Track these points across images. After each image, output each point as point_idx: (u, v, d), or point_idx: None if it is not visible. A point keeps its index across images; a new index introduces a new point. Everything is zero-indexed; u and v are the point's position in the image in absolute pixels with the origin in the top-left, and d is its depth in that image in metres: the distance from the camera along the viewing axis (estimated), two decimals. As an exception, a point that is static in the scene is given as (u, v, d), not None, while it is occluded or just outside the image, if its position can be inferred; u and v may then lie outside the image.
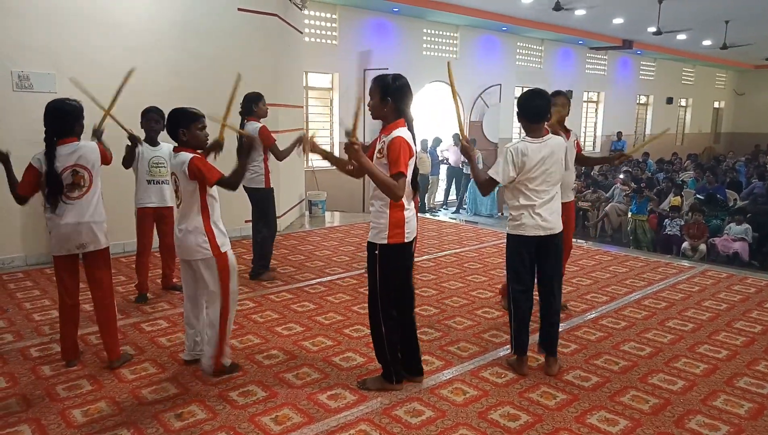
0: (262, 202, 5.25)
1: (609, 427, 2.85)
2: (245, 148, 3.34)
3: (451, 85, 3.44)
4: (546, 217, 3.28)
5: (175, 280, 4.97)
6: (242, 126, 5.12)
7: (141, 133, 4.56)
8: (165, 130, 4.49)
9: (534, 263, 3.39)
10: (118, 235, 5.63)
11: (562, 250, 3.47)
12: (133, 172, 4.60)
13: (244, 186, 5.25)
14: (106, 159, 3.57)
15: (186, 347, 3.56)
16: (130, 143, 4.38)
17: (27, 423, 2.86)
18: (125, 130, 4.25)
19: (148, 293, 4.77)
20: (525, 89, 3.46)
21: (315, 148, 3.26)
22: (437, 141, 12.44)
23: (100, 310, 3.51)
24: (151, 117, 4.56)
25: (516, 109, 3.38)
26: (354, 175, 3.28)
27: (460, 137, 3.42)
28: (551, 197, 3.32)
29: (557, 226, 3.34)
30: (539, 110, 3.29)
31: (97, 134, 3.92)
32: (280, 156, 5.08)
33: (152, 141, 4.61)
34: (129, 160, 4.49)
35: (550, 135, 3.35)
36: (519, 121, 3.38)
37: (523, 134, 3.37)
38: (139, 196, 4.61)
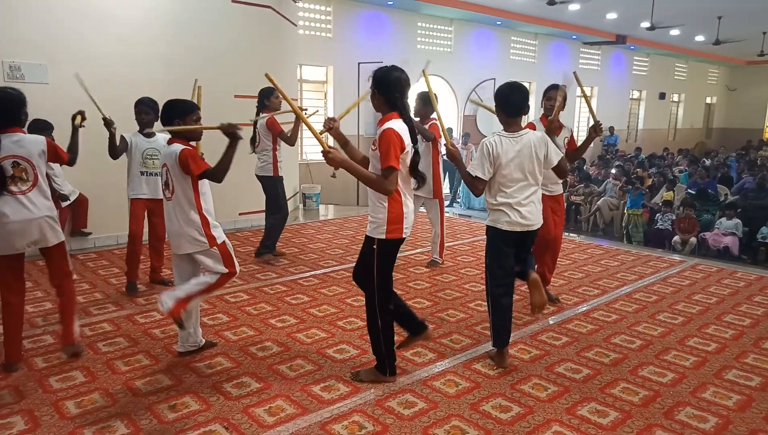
0: (271, 189, 5.58)
1: (599, 419, 2.88)
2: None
3: (430, 90, 3.62)
4: (525, 213, 3.28)
5: (163, 274, 4.94)
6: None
7: (134, 126, 4.52)
8: (158, 120, 4.51)
9: (512, 258, 3.41)
10: (110, 227, 5.62)
11: (533, 242, 3.54)
12: (126, 164, 4.55)
13: (255, 174, 5.56)
14: (60, 157, 3.38)
15: (179, 339, 3.56)
16: (107, 130, 4.26)
17: (20, 414, 2.85)
18: (102, 114, 4.18)
19: (138, 284, 4.74)
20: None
21: (333, 130, 3.18)
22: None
23: (63, 298, 3.43)
24: (141, 108, 4.49)
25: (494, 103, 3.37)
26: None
27: (446, 142, 3.41)
28: (531, 193, 3.30)
29: (537, 222, 3.36)
30: (518, 105, 3.28)
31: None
32: (290, 141, 5.39)
33: (145, 132, 4.56)
34: (112, 148, 4.36)
35: (527, 130, 3.34)
36: (497, 116, 3.35)
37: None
38: (132, 188, 4.57)
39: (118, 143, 4.39)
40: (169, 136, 4.55)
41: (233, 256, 3.33)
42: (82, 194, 5.88)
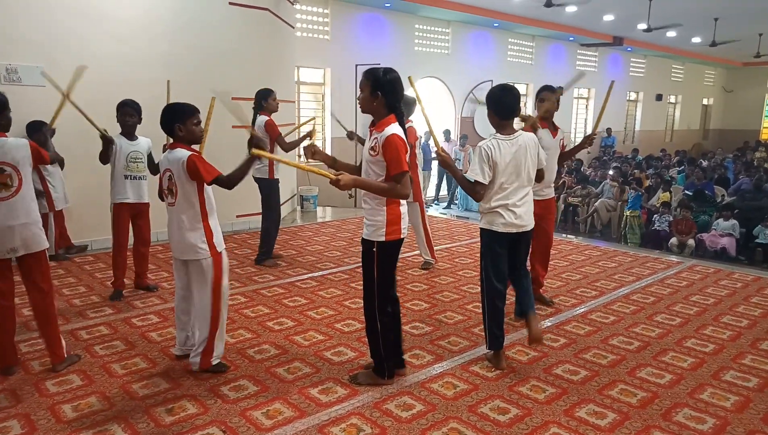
0: (266, 191, 5.59)
1: (597, 420, 2.88)
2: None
3: (419, 100, 3.58)
4: (520, 214, 3.30)
5: (148, 279, 4.88)
6: (254, 121, 5.33)
7: (117, 128, 4.47)
8: (140, 122, 4.49)
9: (507, 260, 3.42)
10: (107, 230, 5.60)
11: (530, 243, 3.54)
12: (110, 167, 4.48)
13: (253, 176, 5.59)
14: (42, 158, 3.30)
15: (177, 342, 3.55)
16: (102, 142, 4.28)
17: (16, 418, 2.84)
18: (98, 129, 4.20)
19: (123, 291, 4.67)
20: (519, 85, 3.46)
21: (316, 154, 3.20)
22: (428, 136, 12.46)
23: (38, 314, 3.32)
24: (125, 111, 4.41)
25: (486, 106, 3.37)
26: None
27: (437, 149, 3.39)
28: (525, 194, 3.33)
29: (530, 224, 3.38)
30: (510, 106, 3.28)
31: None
32: (286, 147, 5.39)
33: (128, 135, 4.48)
34: (105, 155, 4.35)
35: (521, 132, 3.35)
36: (488, 118, 3.35)
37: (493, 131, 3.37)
38: (116, 192, 4.49)
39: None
40: (149, 139, 4.58)
41: (224, 271, 3.28)
42: (62, 213, 5.77)
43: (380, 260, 3.02)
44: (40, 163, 3.34)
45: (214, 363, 3.34)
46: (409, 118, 5.31)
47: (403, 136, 2.95)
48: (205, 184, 3.20)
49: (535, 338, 3.41)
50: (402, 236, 3.05)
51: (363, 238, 3.08)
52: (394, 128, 2.94)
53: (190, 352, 3.39)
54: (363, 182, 2.94)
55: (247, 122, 3.41)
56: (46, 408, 2.94)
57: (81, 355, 3.55)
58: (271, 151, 5.49)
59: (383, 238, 2.98)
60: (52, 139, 3.82)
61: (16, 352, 3.42)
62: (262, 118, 5.33)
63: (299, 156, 9.32)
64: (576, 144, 4.44)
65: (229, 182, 3.19)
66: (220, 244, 3.27)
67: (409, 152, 2.99)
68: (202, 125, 3.36)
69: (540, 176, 3.54)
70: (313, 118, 6.33)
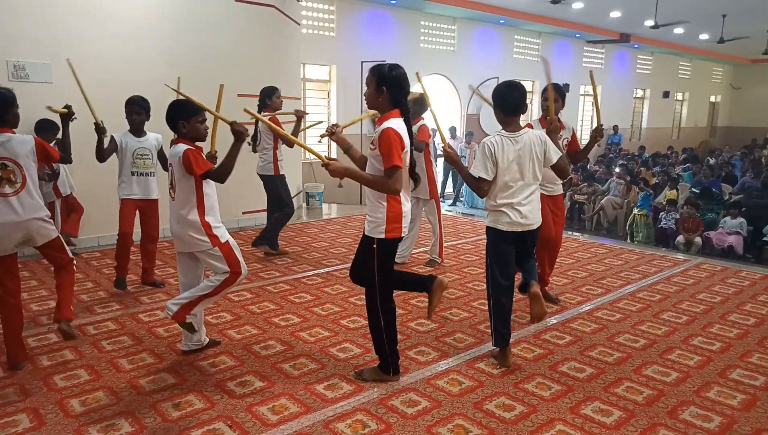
0: (273, 188, 5.68)
1: (603, 418, 2.88)
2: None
3: (426, 95, 3.61)
4: (525, 213, 3.28)
5: (155, 276, 4.90)
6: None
7: (124, 125, 4.48)
8: (148, 119, 4.51)
9: (513, 258, 3.41)
10: (114, 226, 5.66)
11: (536, 241, 3.52)
12: (117, 164, 4.49)
13: (258, 173, 5.66)
14: (50, 156, 3.34)
15: (183, 337, 3.57)
16: (96, 133, 4.26)
17: (25, 412, 2.87)
18: (95, 118, 4.19)
19: (127, 281, 4.70)
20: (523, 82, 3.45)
21: (335, 135, 3.17)
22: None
23: (60, 274, 3.44)
24: (132, 108, 4.42)
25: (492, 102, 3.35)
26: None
27: (443, 145, 3.40)
28: (530, 193, 3.30)
29: (536, 222, 3.36)
30: (516, 103, 3.26)
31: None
32: (289, 142, 5.31)
33: (136, 132, 4.50)
34: (100, 151, 4.32)
35: (526, 129, 3.32)
36: (495, 114, 3.34)
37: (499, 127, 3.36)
38: (123, 188, 4.50)
39: (105, 146, 4.36)
40: (159, 135, 4.60)
41: (238, 256, 3.27)
42: (76, 199, 5.81)
43: (380, 257, 3.02)
44: (48, 161, 3.36)
45: (188, 320, 3.26)
46: (422, 116, 5.30)
47: (401, 131, 2.91)
48: (203, 180, 3.19)
49: (536, 316, 3.36)
50: (402, 235, 3.04)
51: (364, 234, 3.08)
52: (393, 123, 2.92)
53: (168, 302, 3.27)
54: (354, 172, 2.94)
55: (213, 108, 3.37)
56: (55, 402, 2.97)
57: (77, 336, 3.57)
58: (275, 149, 5.51)
59: (383, 236, 2.98)
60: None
61: (24, 347, 3.45)
62: (265, 116, 5.37)
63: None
64: (586, 140, 4.40)
65: (218, 174, 3.16)
66: (223, 236, 3.25)
67: (408, 149, 2.97)
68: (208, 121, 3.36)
69: (563, 172, 3.52)
70: (320, 122, 6.37)
